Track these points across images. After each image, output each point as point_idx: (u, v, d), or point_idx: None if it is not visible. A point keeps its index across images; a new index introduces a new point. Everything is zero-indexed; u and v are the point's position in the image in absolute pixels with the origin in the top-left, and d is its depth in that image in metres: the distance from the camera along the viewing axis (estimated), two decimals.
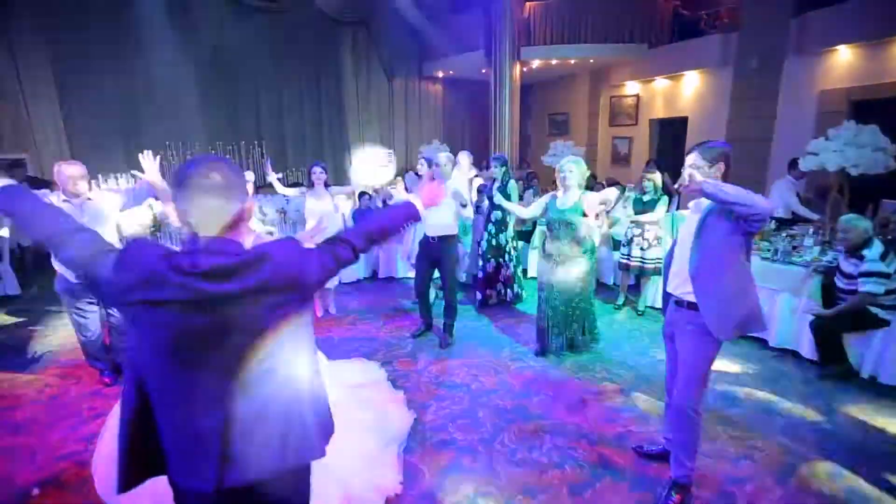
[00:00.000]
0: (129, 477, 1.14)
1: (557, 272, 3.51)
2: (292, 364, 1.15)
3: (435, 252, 3.82)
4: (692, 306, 2.00)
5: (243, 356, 1.07)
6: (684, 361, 2.07)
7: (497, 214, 4.57)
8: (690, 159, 2.00)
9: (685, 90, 8.09)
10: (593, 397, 3.11)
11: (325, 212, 4.23)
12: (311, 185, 4.42)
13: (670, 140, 8.61)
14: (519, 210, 3.86)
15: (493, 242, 4.63)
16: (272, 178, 4.36)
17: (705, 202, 1.97)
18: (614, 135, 9.72)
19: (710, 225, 1.93)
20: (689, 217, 2.09)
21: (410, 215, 1.46)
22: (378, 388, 3.02)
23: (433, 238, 3.81)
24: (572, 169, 3.38)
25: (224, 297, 1.03)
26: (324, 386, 1.28)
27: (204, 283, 1.02)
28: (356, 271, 5.78)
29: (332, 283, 4.65)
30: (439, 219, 3.67)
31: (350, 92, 10.41)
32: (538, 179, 8.25)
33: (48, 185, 6.29)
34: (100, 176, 7.89)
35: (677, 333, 2.13)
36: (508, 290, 4.76)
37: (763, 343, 3.76)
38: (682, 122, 8.09)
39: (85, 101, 8.21)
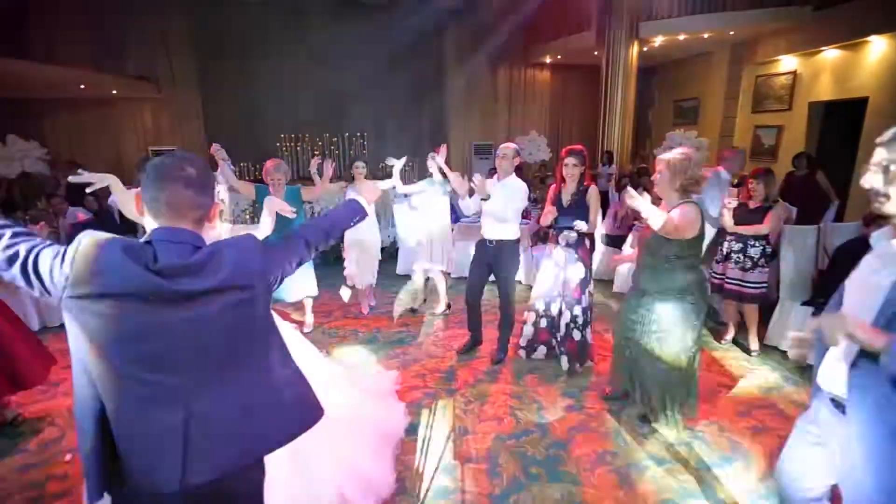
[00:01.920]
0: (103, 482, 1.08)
1: (648, 318, 2.50)
2: (255, 359, 1.15)
3: (491, 257, 3.36)
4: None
5: (205, 353, 1.07)
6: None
7: (571, 236, 3.16)
8: (879, 155, 1.23)
9: (866, 62, 6.15)
10: (657, 486, 2.37)
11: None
12: (352, 179, 4.29)
13: (839, 128, 6.70)
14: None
15: (562, 276, 3.24)
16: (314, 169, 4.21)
17: None
18: (757, 123, 7.92)
19: None
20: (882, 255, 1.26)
21: (356, 211, 1.53)
22: (375, 386, 2.93)
23: (490, 241, 3.34)
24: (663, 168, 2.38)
25: (186, 294, 1.03)
26: (293, 378, 1.25)
27: (165, 278, 1.01)
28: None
29: (372, 279, 4.50)
30: (496, 219, 3.21)
31: (452, 83, 10.17)
32: (650, 177, 7.08)
33: None
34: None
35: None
36: (564, 357, 3.27)
37: None
38: (859, 104, 6.19)
39: (218, 97, 9.29)
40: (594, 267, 3.71)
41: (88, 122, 9.07)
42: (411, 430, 2.62)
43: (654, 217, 2.23)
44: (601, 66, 8.01)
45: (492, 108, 10.45)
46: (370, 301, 4.66)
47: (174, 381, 1.04)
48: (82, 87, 8.01)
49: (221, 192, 2.42)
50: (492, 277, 3.43)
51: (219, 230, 2.18)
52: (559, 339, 3.27)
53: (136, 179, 3.18)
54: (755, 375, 3.24)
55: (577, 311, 3.17)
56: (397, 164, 4.21)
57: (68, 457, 2.50)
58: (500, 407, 2.88)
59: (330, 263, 5.80)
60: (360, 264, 4.33)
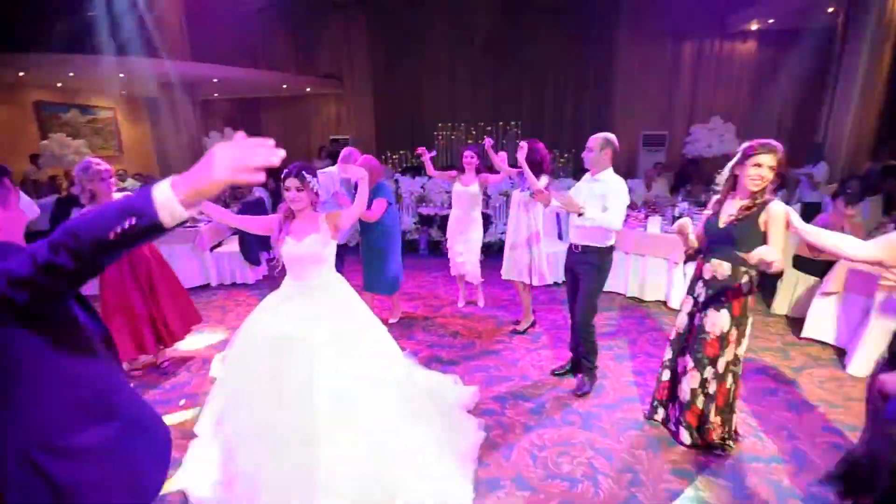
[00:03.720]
0: None
1: None
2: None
3: (575, 264, 2.84)
4: None
5: None
6: None
7: (723, 266, 2.21)
8: None
9: None
10: None
11: (472, 196, 3.94)
12: (462, 169, 3.99)
13: None
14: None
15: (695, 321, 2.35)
16: (426, 159, 4.12)
17: None
18: None
19: None
20: None
21: (128, 211, 0.83)
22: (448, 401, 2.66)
23: (576, 246, 2.80)
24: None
25: None
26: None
27: None
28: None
29: (475, 279, 4.19)
30: (587, 218, 2.61)
31: (623, 65, 8.96)
32: None
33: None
34: (388, 152, 9.64)
35: None
36: (683, 429, 2.39)
37: None
38: None
39: (388, 89, 10.07)
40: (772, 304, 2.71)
41: (289, 116, 10.86)
42: None
43: None
44: (836, 27, 5.98)
45: (670, 92, 8.90)
46: (476, 298, 4.45)
47: None
48: (284, 86, 9.57)
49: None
50: None
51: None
52: (680, 405, 2.42)
53: (320, 165, 3.49)
54: None
55: (708, 373, 2.29)
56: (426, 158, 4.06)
57: (182, 402, 2.92)
58: (580, 464, 2.31)
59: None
60: (466, 256, 4.10)
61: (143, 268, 3.01)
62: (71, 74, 7.49)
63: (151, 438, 1.22)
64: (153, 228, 0.84)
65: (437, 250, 6.35)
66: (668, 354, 2.52)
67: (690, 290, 2.42)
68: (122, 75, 7.54)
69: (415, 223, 6.73)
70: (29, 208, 2.40)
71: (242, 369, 2.04)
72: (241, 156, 0.83)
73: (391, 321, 4.11)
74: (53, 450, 1.00)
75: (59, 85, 8.43)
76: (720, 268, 2.22)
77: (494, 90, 9.65)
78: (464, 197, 3.99)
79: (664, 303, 4.32)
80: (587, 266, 2.78)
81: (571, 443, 2.46)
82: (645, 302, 4.42)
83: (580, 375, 2.97)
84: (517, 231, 3.62)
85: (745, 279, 2.18)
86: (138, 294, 2.97)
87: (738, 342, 2.22)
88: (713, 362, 2.25)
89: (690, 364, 2.33)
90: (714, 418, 2.29)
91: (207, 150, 0.85)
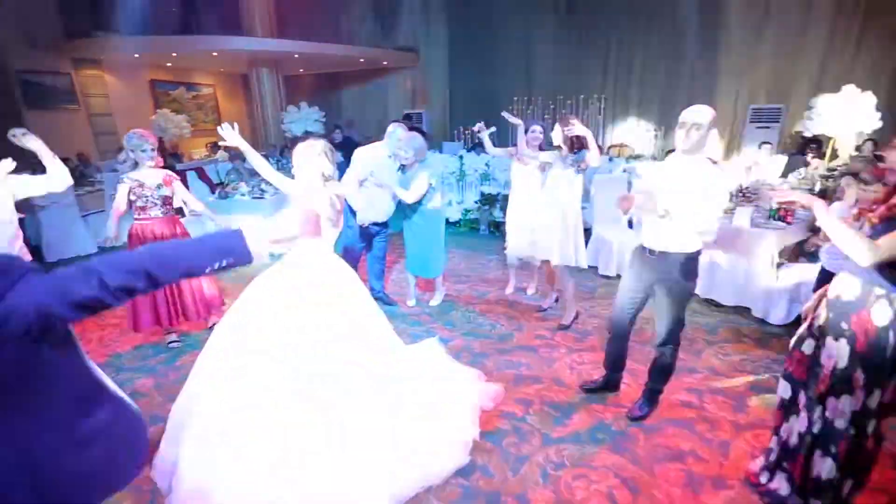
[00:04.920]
0: None
1: None
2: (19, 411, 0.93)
3: (654, 271, 2.33)
4: None
5: None
6: None
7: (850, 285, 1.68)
8: None
9: None
10: None
11: (531, 176, 3.56)
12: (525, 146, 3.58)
13: None
14: None
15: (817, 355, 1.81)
16: (485, 135, 3.84)
17: None
18: None
19: None
20: None
21: (225, 251, 1.02)
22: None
23: (651, 251, 2.31)
24: None
25: None
26: (102, 428, 1.08)
27: None
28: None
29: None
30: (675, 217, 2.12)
31: (733, 33, 7.65)
32: None
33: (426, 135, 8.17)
34: (461, 128, 9.41)
35: None
36: (781, 474, 1.92)
37: None
38: None
39: (463, 62, 9.73)
40: None
41: (367, 90, 11.01)
42: (464, 472, 2.11)
43: None
44: None
45: (794, 52, 7.36)
46: (526, 286, 4.12)
47: None
48: (362, 60, 9.66)
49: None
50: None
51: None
52: (784, 449, 1.92)
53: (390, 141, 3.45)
54: None
55: (817, 416, 1.75)
56: (485, 133, 3.87)
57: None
58: (597, 493, 2.01)
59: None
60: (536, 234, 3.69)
61: None
62: (174, 55, 8.23)
63: (129, 413, 1.24)
64: (241, 265, 1.06)
65: (499, 231, 6.07)
66: (782, 390, 1.95)
67: (808, 312, 1.92)
68: (215, 54, 8.11)
69: (476, 202, 6.50)
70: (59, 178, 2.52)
71: (216, 347, 2.03)
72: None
73: (431, 304, 4.00)
74: (75, 441, 1.03)
75: (168, 65, 9.34)
76: (846, 285, 1.68)
77: (576, 60, 8.86)
78: (524, 176, 3.63)
79: (747, 310, 3.66)
80: (669, 276, 2.23)
81: (594, 465, 2.16)
82: (721, 308, 3.79)
83: (641, 402, 2.54)
84: (547, 209, 3.37)
85: (879, 306, 1.58)
86: None
87: (869, 390, 1.63)
88: (823, 402, 1.75)
89: (803, 401, 1.85)
90: (827, 477, 1.75)
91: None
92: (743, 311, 3.67)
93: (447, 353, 2.92)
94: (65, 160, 2.74)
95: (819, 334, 1.76)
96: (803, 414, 1.81)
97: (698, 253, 2.23)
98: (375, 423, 1.95)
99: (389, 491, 1.85)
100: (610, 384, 2.69)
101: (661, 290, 2.30)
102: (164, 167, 5.32)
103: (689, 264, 2.22)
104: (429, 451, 2.07)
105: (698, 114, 2.08)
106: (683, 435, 2.34)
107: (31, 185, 2.52)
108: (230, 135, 2.28)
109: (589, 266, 4.55)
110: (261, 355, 1.91)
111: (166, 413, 2.11)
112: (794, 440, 1.86)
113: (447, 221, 6.52)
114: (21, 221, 2.61)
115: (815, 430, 1.76)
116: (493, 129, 3.99)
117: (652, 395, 2.50)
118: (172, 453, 1.92)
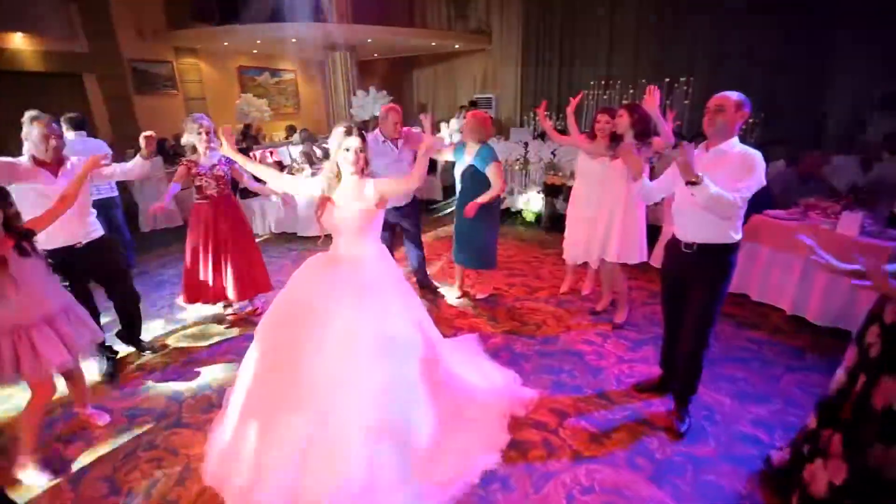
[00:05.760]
0: None
1: None
2: None
3: (686, 266, 2.15)
4: None
5: None
6: None
7: None
8: None
9: None
10: None
11: (601, 169, 3.19)
12: (593, 135, 3.24)
13: None
14: None
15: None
16: (545, 120, 3.53)
17: None
18: None
19: None
20: None
21: None
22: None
23: (687, 245, 2.11)
24: None
25: None
26: None
27: None
28: None
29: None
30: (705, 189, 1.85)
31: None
32: None
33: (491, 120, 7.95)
34: (531, 113, 9.04)
35: None
36: None
37: None
38: None
39: (538, 45, 9.25)
40: None
41: (439, 73, 10.93)
42: (483, 481, 1.98)
43: None
44: None
45: None
46: (603, 304, 3.57)
47: None
48: (433, 44, 9.56)
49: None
50: None
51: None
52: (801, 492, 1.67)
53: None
54: None
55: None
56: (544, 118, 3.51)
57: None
58: None
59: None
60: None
61: (222, 235, 3.16)
62: (258, 41, 8.70)
63: None
64: None
65: (561, 225, 5.74)
66: (811, 421, 1.74)
67: (859, 337, 1.59)
68: (294, 40, 8.45)
69: (538, 192, 6.19)
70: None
71: (264, 342, 2.05)
72: None
73: (478, 297, 3.87)
74: None
75: (254, 52, 9.92)
76: None
77: (660, 41, 8.05)
78: (591, 169, 3.29)
79: (846, 334, 3.09)
80: (703, 272, 2.09)
81: (627, 495, 1.93)
82: (812, 328, 3.24)
83: (673, 412, 2.32)
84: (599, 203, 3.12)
85: None
86: (210, 254, 3.16)
87: None
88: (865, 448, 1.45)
89: (838, 446, 1.55)
90: None
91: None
92: (841, 334, 3.10)
93: (484, 352, 2.82)
94: (163, 140, 2.96)
95: (874, 367, 1.42)
96: (840, 464, 1.47)
97: (737, 245, 2.05)
98: (408, 416, 1.91)
99: (416, 489, 1.81)
100: (662, 383, 2.48)
101: (693, 288, 2.12)
102: (243, 150, 5.62)
103: (728, 257, 2.05)
104: (458, 451, 1.99)
105: (722, 98, 1.97)
106: (741, 474, 2.02)
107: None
108: (225, 142, 2.29)
109: (656, 267, 4.17)
110: (310, 343, 1.90)
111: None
112: (820, 491, 1.53)
113: (507, 212, 6.35)
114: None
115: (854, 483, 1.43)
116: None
117: (681, 405, 2.29)
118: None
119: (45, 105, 2.65)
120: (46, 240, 2.34)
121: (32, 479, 2.05)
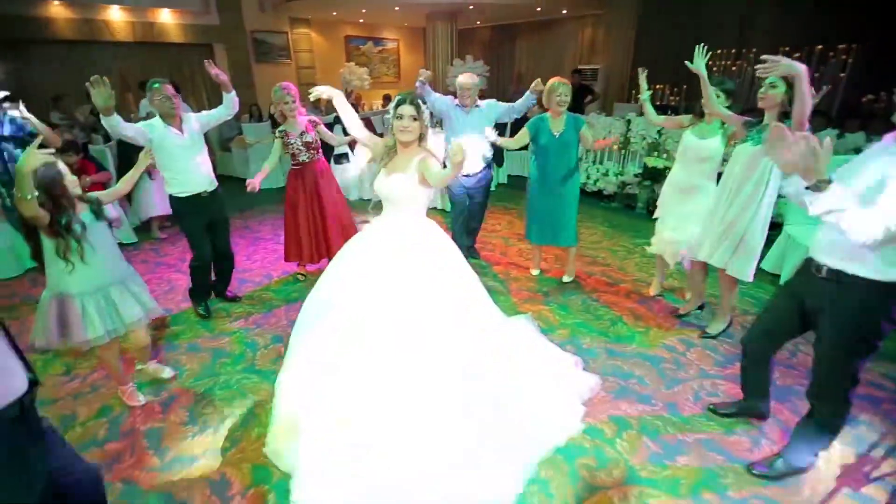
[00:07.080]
0: None
1: None
2: None
3: (813, 296, 1.67)
4: None
5: None
6: None
7: None
8: None
9: None
10: None
11: (706, 153, 2.83)
12: (699, 114, 2.77)
13: None
14: None
15: None
16: (644, 93, 3.11)
17: None
18: None
19: None
20: None
21: None
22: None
23: (818, 268, 1.62)
24: None
25: None
26: None
27: None
28: None
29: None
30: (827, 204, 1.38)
31: None
32: None
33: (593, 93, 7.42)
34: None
35: None
36: None
37: None
38: None
39: (657, 14, 8.24)
40: None
41: (543, 42, 10.31)
42: None
43: None
44: None
45: None
46: (690, 306, 3.14)
47: None
48: (539, 9, 8.98)
49: None
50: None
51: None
52: None
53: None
54: None
55: None
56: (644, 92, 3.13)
57: None
58: None
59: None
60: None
61: (314, 198, 3.38)
62: (363, 11, 8.88)
63: None
64: None
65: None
66: None
67: None
68: (397, 8, 8.48)
69: (636, 175, 5.62)
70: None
71: (314, 312, 2.09)
72: None
73: (565, 279, 3.67)
74: None
75: (360, 21, 10.19)
76: None
77: (805, 7, 6.67)
78: (694, 151, 2.87)
79: None
80: (841, 306, 1.57)
81: None
82: None
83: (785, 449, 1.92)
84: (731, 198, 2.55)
85: None
86: (308, 213, 3.39)
87: None
88: None
89: None
90: None
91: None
92: None
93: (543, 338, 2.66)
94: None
95: None
96: None
97: (890, 286, 1.46)
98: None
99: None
100: (747, 412, 2.14)
101: (826, 322, 1.63)
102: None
103: (873, 295, 1.49)
104: (543, 420, 2.04)
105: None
106: None
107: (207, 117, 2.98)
108: (322, 88, 2.19)
109: (769, 272, 3.58)
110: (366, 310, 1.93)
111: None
112: None
113: (601, 194, 5.87)
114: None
115: None
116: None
117: (797, 448, 1.86)
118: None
119: (185, 71, 2.93)
120: (181, 189, 2.83)
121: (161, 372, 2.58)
